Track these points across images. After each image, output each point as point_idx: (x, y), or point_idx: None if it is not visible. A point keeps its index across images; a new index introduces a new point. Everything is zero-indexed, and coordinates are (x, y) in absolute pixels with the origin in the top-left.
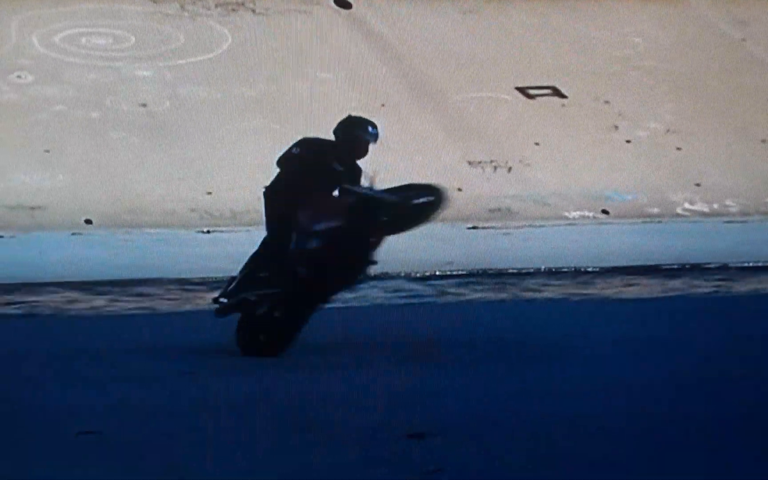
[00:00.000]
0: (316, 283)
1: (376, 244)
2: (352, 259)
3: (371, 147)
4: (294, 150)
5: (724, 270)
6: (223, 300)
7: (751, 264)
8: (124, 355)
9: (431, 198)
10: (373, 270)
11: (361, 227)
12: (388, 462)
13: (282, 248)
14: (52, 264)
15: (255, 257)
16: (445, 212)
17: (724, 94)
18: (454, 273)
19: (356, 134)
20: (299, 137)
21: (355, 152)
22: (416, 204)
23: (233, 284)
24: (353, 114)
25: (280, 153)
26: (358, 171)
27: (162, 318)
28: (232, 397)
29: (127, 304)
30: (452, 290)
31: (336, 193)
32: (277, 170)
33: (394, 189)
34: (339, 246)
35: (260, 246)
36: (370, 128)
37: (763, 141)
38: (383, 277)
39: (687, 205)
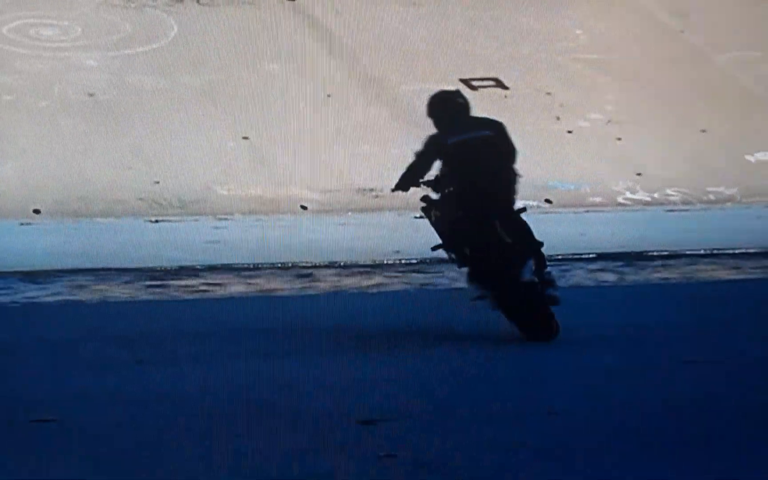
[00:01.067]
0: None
1: None
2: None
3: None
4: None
5: (665, 258)
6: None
7: (691, 252)
8: (75, 344)
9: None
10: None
11: None
12: (341, 448)
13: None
14: (0, 253)
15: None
16: (392, 202)
17: (665, 84)
18: (402, 261)
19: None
20: (247, 128)
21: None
22: None
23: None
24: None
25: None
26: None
27: (112, 307)
28: (186, 385)
29: (76, 294)
30: (401, 278)
31: None
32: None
33: None
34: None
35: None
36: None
37: (704, 131)
38: (333, 265)
39: (628, 194)
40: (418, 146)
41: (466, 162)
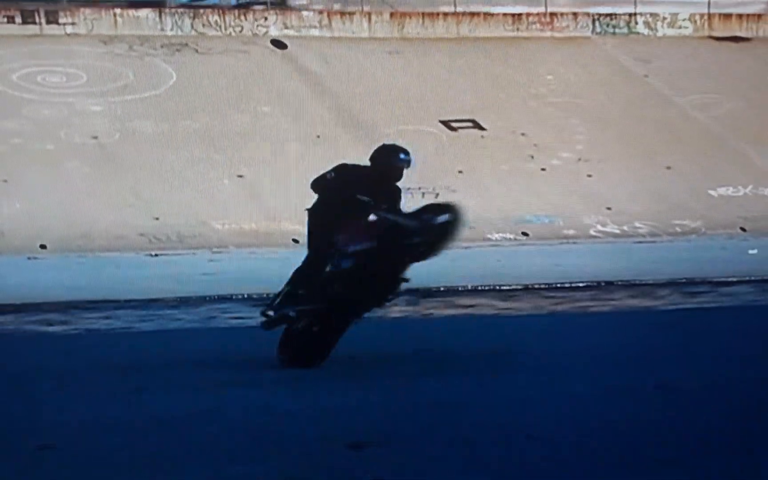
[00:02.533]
0: (349, 301)
1: (406, 265)
2: (383, 279)
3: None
4: (328, 175)
5: (636, 287)
6: (270, 313)
7: (661, 281)
8: (80, 373)
9: (450, 216)
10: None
11: (391, 250)
12: (330, 472)
13: (319, 268)
14: (9, 287)
15: (297, 273)
16: None
17: (631, 125)
18: None
19: (390, 161)
20: (241, 167)
21: (391, 177)
22: (438, 224)
23: (278, 299)
24: (387, 142)
25: (316, 176)
26: (397, 193)
27: (115, 337)
28: (183, 412)
29: (80, 324)
30: (385, 309)
31: (372, 217)
32: (315, 194)
33: (414, 212)
34: (371, 267)
35: (303, 262)
36: (402, 155)
37: (668, 167)
38: None
39: (599, 227)
40: None
41: None
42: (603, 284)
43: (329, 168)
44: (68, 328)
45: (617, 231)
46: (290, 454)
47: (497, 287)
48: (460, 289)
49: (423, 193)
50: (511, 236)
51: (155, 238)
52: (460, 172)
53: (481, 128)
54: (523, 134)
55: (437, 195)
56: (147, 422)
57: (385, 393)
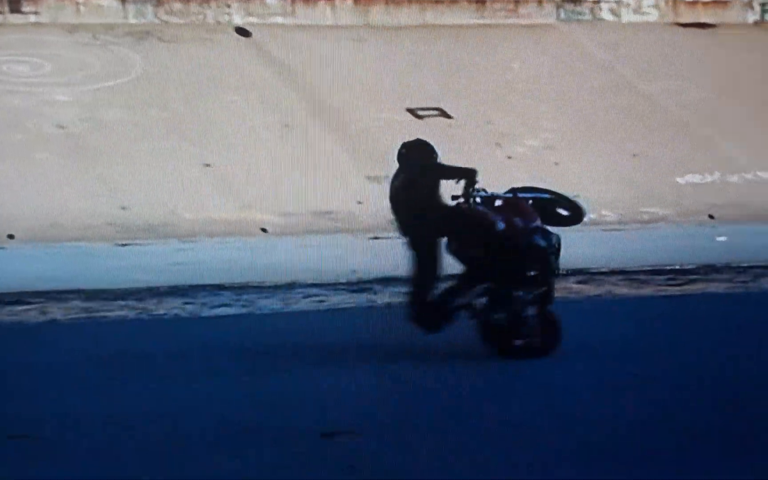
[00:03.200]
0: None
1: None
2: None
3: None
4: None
5: (604, 275)
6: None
7: (629, 269)
8: (51, 364)
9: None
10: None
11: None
12: (302, 462)
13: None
14: None
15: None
16: (348, 225)
17: (598, 113)
18: (359, 280)
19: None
20: (209, 156)
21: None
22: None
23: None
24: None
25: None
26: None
27: (84, 327)
28: (151, 404)
29: (51, 314)
30: (358, 297)
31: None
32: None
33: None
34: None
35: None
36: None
37: (635, 155)
38: (293, 285)
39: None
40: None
41: None
42: (569, 273)
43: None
44: (38, 319)
45: (585, 219)
46: (263, 444)
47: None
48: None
49: None
50: None
51: (123, 227)
52: None
53: (448, 116)
54: (489, 122)
55: None
56: (123, 414)
57: (355, 383)
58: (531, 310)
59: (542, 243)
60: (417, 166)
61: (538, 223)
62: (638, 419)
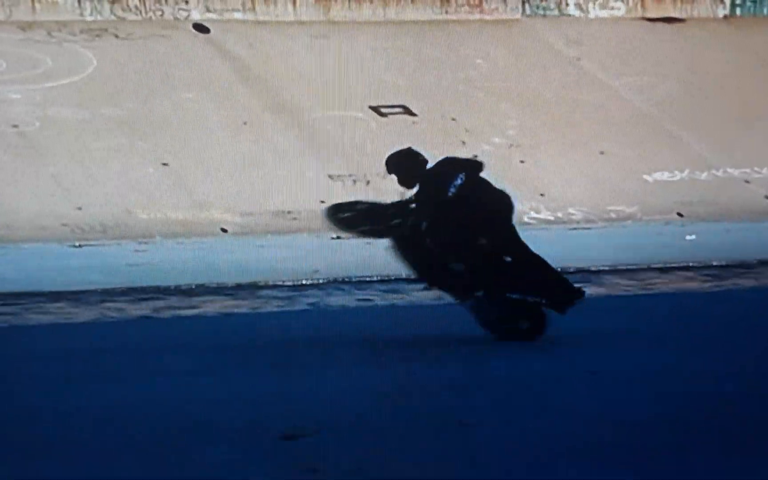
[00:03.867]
0: None
1: None
2: None
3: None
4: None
5: (570, 274)
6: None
7: (595, 268)
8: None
9: None
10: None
11: None
12: (261, 463)
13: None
14: None
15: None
16: (310, 224)
17: (563, 109)
18: (321, 281)
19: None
20: (166, 155)
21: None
22: None
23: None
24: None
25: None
26: None
27: (39, 329)
28: (109, 403)
29: (3, 317)
30: (320, 298)
31: None
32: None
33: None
34: None
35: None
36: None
37: (602, 153)
38: (253, 286)
39: (533, 214)
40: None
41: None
42: None
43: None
44: None
45: (551, 217)
46: (221, 445)
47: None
48: (393, 277)
49: (354, 181)
50: None
51: (78, 228)
52: None
53: (412, 113)
54: (453, 119)
55: (368, 182)
56: (76, 412)
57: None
58: None
59: None
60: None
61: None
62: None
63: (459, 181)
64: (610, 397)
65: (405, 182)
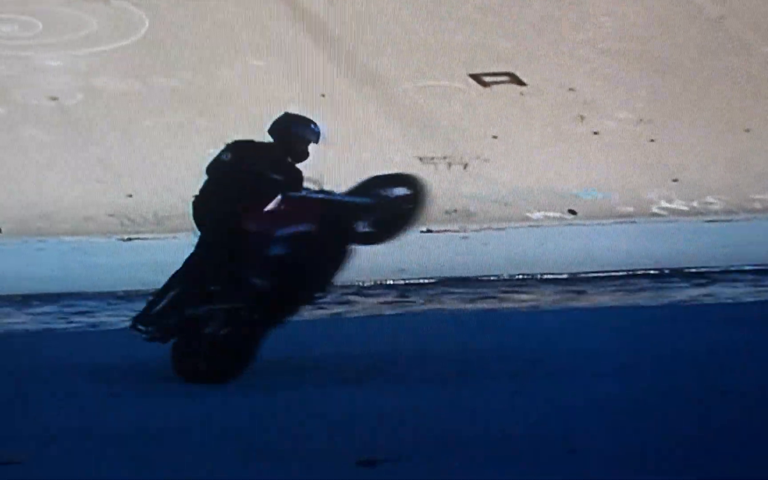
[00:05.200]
0: (277, 296)
1: (348, 254)
2: (321, 269)
3: (312, 146)
4: (224, 156)
5: (706, 275)
6: (142, 327)
7: (735, 267)
8: (44, 375)
9: (409, 191)
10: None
11: (336, 233)
12: None
13: (224, 259)
14: None
15: (186, 271)
16: None
17: (703, 78)
18: (409, 281)
19: (295, 133)
20: (228, 138)
21: (295, 154)
22: (393, 200)
23: (158, 306)
24: (290, 111)
25: (209, 159)
26: (297, 174)
27: (83, 335)
28: (165, 422)
29: (43, 320)
30: (407, 300)
31: (310, 195)
32: (206, 177)
33: (360, 186)
34: (306, 254)
35: (192, 257)
36: (311, 126)
37: (747, 130)
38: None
39: (664, 203)
40: None
41: None
42: (666, 272)
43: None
44: (28, 325)
45: (685, 208)
46: (290, 471)
47: (538, 276)
48: (493, 278)
49: (449, 164)
50: (557, 215)
51: (128, 219)
52: (494, 137)
53: (520, 83)
54: (571, 89)
55: (465, 165)
56: (126, 431)
57: (400, 401)
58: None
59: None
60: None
61: (299, 229)
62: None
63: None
64: None
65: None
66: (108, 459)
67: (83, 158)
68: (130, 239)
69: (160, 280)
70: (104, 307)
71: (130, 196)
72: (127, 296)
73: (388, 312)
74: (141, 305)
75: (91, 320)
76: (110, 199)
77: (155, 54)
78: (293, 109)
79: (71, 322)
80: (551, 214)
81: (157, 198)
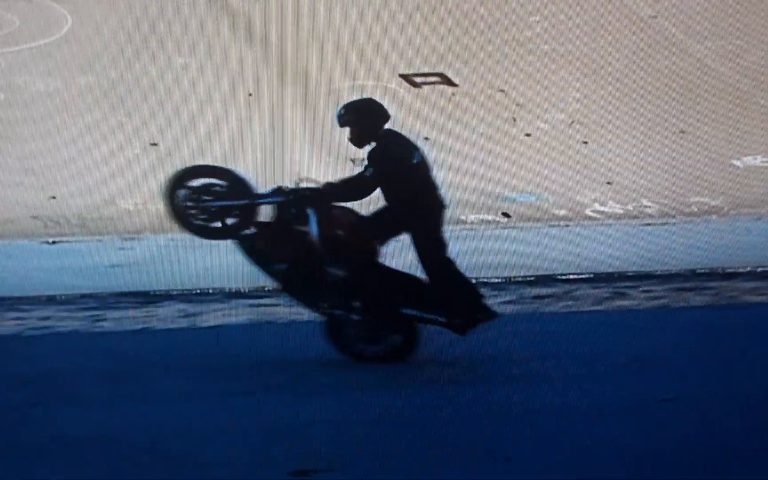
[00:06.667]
0: None
1: None
2: None
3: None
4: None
5: (644, 278)
6: None
7: (674, 270)
8: None
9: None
10: None
11: None
12: None
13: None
14: None
15: None
16: None
17: (637, 79)
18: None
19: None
20: (155, 133)
21: None
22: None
23: None
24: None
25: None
26: None
27: (2, 341)
28: (89, 430)
29: None
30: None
31: None
32: None
33: None
34: None
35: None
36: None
37: (682, 132)
38: (259, 293)
39: (598, 207)
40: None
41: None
42: (602, 276)
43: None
44: None
45: (620, 211)
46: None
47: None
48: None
49: None
50: (490, 218)
51: (52, 221)
52: (426, 139)
53: (452, 83)
54: (502, 91)
55: None
56: (53, 442)
57: (331, 409)
58: None
59: None
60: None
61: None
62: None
63: (418, 158)
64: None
65: (360, 139)
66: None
67: (4, 159)
68: (54, 242)
69: (86, 284)
70: (24, 313)
71: (53, 197)
72: (52, 301)
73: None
74: (67, 308)
75: (13, 327)
76: (32, 201)
77: (78, 52)
78: (224, 108)
79: None
80: (485, 217)
81: (81, 200)
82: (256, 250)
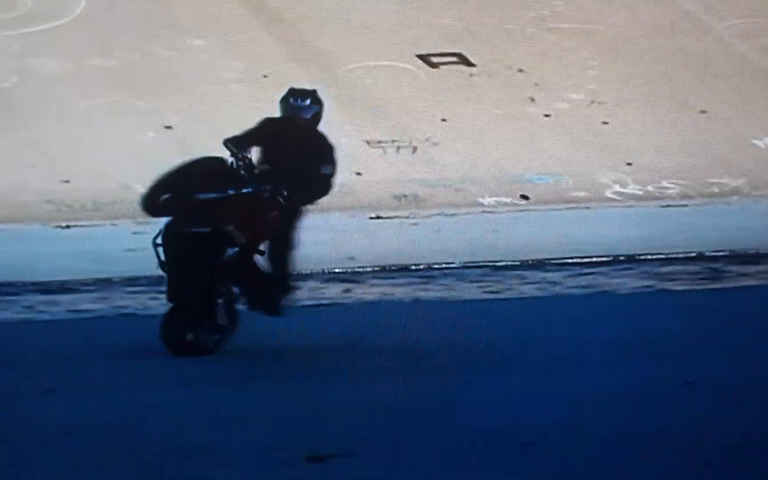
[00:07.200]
0: None
1: None
2: None
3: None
4: None
5: (664, 262)
6: None
7: (694, 253)
8: None
9: None
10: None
11: None
12: None
13: None
14: None
15: None
16: (343, 201)
17: (657, 58)
18: (357, 269)
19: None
20: (169, 116)
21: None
22: None
23: None
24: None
25: None
26: None
27: (17, 327)
28: (105, 417)
29: None
30: (355, 289)
31: None
32: None
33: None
34: None
35: None
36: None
37: (703, 112)
38: None
39: (617, 188)
40: None
41: None
42: (622, 259)
43: None
44: None
45: (640, 192)
46: (236, 468)
47: (490, 264)
48: (444, 265)
49: (398, 148)
50: (508, 200)
51: (66, 205)
52: (443, 119)
53: (469, 64)
54: (520, 70)
55: (414, 149)
56: (60, 428)
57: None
58: None
59: None
60: None
61: None
62: None
63: (328, 171)
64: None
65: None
66: (43, 454)
67: (17, 142)
68: (68, 227)
69: (100, 268)
70: (39, 297)
71: (67, 181)
72: (66, 285)
73: (337, 301)
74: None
75: (27, 313)
76: (46, 185)
77: (91, 33)
78: (240, 89)
79: (5, 316)
80: (503, 199)
81: (96, 183)
82: None
